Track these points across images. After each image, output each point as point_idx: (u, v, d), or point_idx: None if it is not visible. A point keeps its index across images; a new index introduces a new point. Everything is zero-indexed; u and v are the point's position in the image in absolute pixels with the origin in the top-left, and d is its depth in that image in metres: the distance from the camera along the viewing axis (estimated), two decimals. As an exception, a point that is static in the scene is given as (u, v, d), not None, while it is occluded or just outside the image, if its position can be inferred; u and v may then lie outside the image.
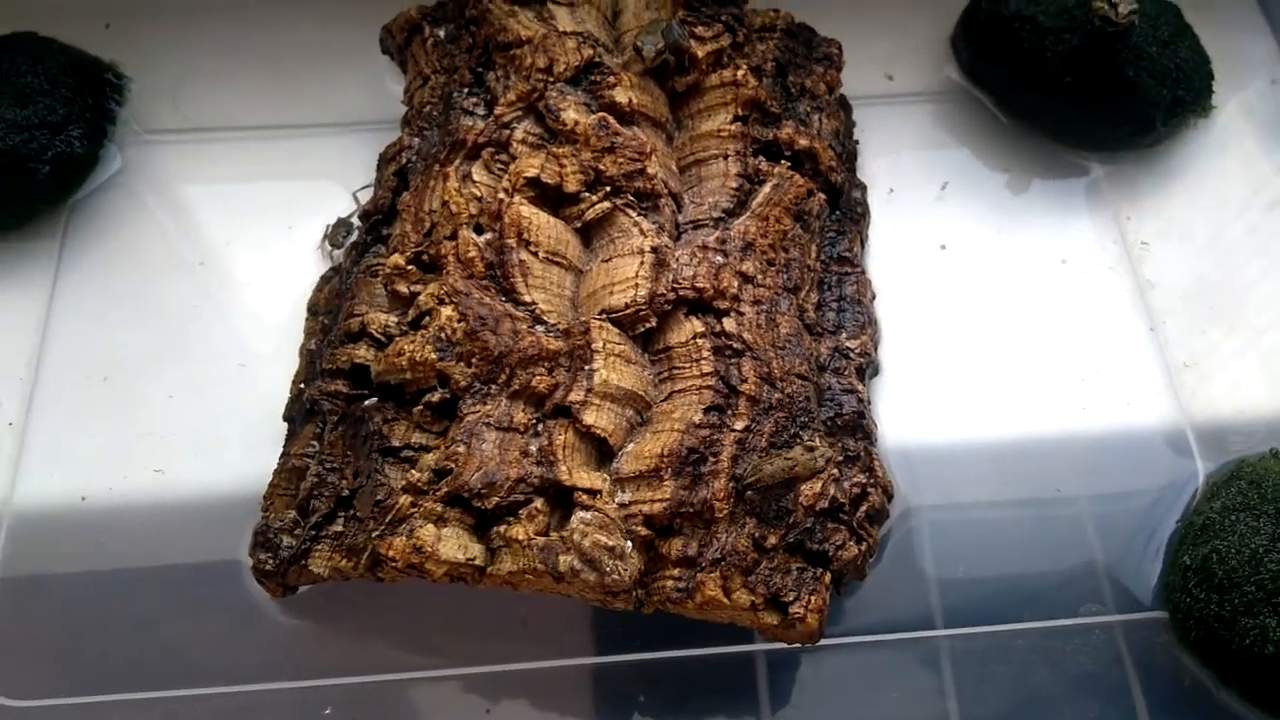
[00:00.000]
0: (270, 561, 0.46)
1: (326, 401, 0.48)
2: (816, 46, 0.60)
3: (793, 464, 0.43)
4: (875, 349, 0.54)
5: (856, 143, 0.61)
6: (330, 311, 0.53)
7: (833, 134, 0.57)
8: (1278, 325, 0.57)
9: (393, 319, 0.49)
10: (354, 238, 0.56)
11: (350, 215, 0.58)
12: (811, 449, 0.44)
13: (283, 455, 0.49)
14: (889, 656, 0.48)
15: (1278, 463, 0.48)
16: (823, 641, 0.45)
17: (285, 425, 0.51)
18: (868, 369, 0.52)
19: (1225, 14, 0.67)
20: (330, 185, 0.61)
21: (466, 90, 0.55)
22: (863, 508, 0.46)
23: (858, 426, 0.49)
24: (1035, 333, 0.57)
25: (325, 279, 0.56)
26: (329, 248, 0.58)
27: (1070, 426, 0.54)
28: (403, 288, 0.49)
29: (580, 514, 0.41)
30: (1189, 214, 0.61)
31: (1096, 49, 0.57)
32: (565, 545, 0.41)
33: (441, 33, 0.58)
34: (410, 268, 0.49)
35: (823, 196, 0.54)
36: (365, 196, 0.58)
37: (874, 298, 0.56)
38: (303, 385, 0.51)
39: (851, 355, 0.51)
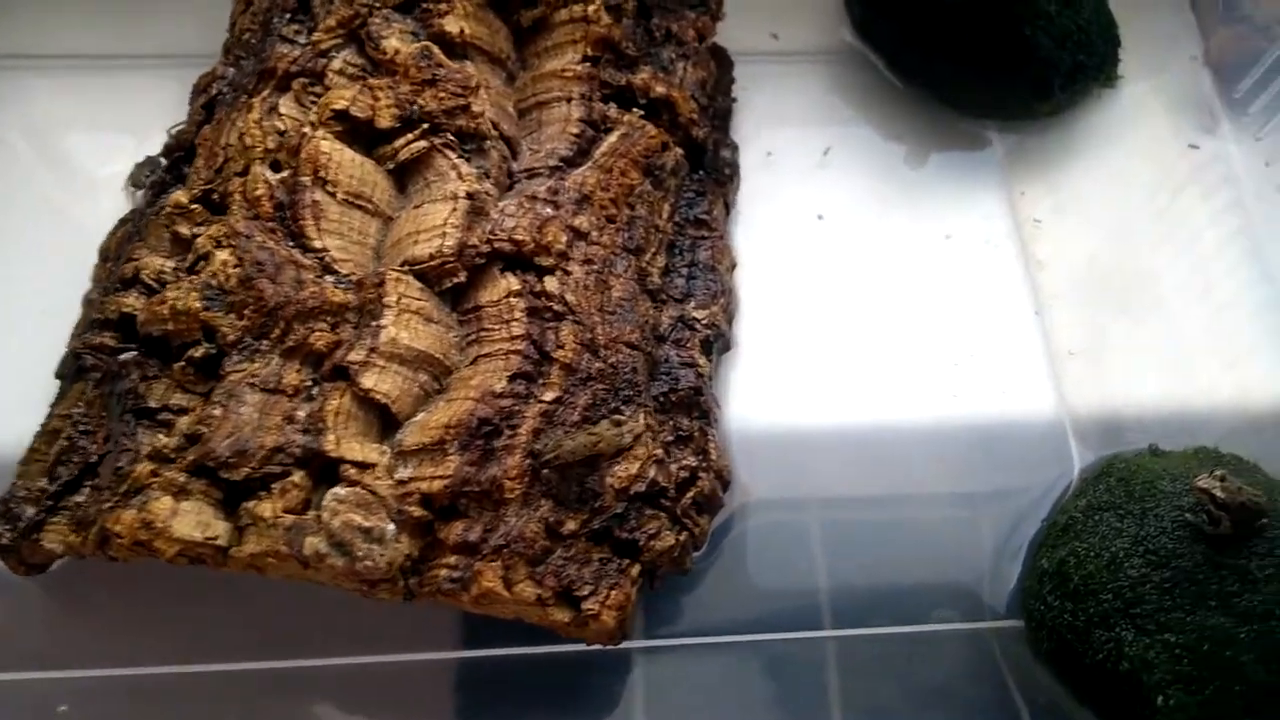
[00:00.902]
0: (8, 535, 0.40)
1: (90, 355, 0.42)
2: (692, -10, 0.55)
3: (596, 439, 0.38)
4: (728, 322, 0.49)
5: (734, 100, 0.56)
6: (119, 257, 0.47)
7: (698, 85, 0.52)
8: (1173, 316, 0.53)
9: (170, 264, 0.43)
10: (156, 176, 0.50)
11: (161, 154, 0.52)
12: (619, 423, 0.38)
13: (47, 416, 0.43)
14: (761, 656, 0.44)
15: (1153, 460, 0.43)
16: (685, 641, 0.41)
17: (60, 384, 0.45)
18: (715, 343, 0.47)
19: (1144, -14, 0.62)
20: (157, 123, 0.55)
21: (289, 15, 0.49)
22: (690, 493, 0.41)
23: (694, 404, 0.43)
24: (910, 313, 0.52)
25: (122, 222, 0.50)
26: (132, 188, 0.52)
27: (938, 415, 0.49)
28: (184, 229, 0.43)
29: (336, 490, 0.36)
30: (1088, 191, 0.56)
31: (992, 4, 0.52)
32: (316, 525, 0.35)
33: (270, -47, 0.52)
34: (195, 207, 0.43)
35: (680, 152, 0.49)
36: (183, 134, 0.52)
37: (733, 267, 0.50)
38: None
39: (697, 326, 0.46)
